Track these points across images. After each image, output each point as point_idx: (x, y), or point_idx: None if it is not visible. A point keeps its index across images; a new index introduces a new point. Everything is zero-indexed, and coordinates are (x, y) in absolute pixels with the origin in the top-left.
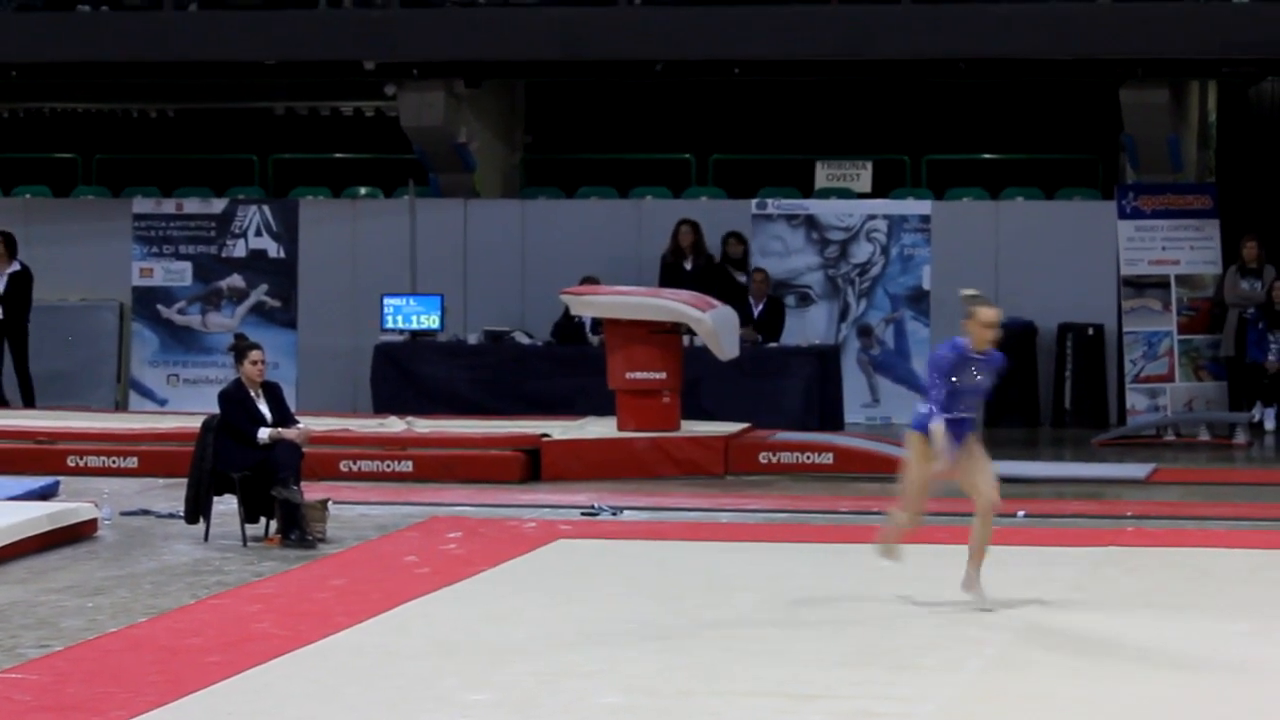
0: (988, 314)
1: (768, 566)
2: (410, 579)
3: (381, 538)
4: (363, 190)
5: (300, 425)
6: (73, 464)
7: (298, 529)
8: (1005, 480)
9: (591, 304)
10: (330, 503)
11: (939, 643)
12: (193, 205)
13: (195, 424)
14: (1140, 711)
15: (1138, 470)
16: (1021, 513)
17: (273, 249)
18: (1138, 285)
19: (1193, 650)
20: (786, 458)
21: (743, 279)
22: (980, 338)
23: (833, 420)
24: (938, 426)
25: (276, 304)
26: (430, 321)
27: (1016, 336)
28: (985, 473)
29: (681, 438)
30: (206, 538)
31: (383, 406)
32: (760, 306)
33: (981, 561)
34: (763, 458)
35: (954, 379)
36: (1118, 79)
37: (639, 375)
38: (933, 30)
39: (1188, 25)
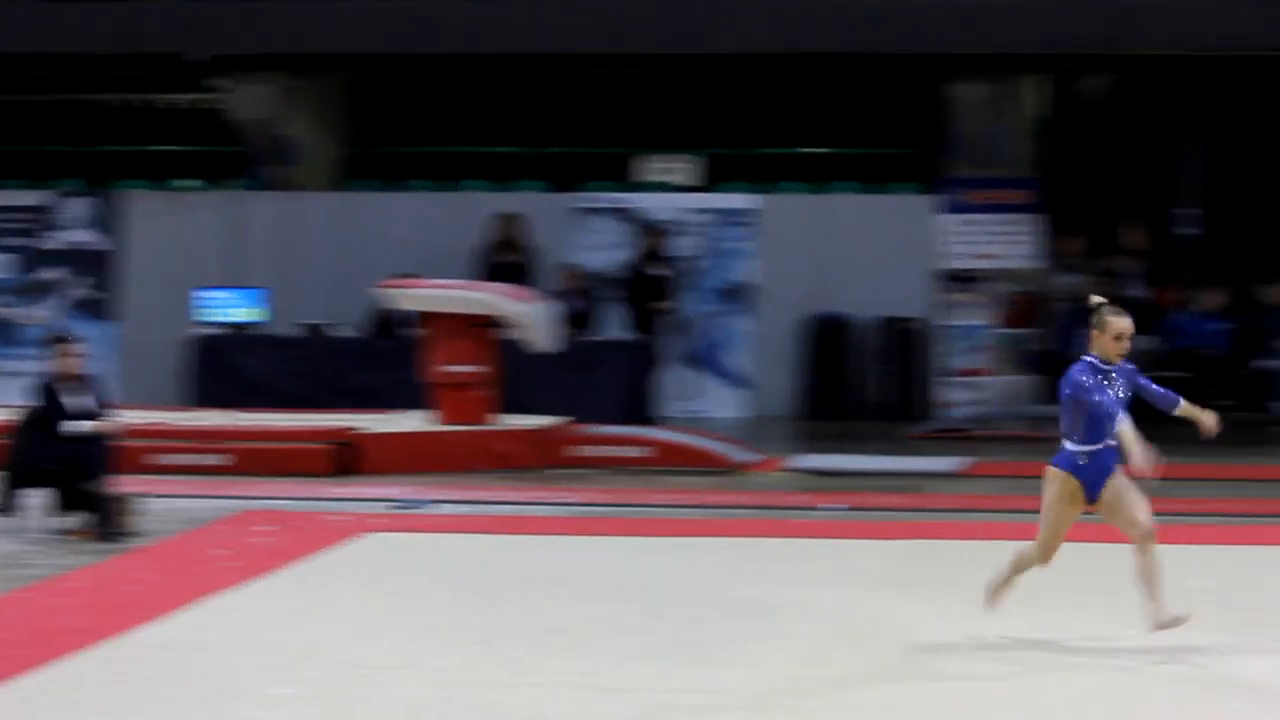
0: (1121, 324)
1: (580, 560)
2: (220, 572)
3: (192, 531)
4: (187, 183)
5: (114, 418)
6: None
7: (109, 523)
8: (823, 474)
9: (411, 297)
10: (141, 496)
11: (746, 636)
12: (14, 197)
13: (10, 417)
14: (937, 703)
15: (955, 463)
16: (846, 506)
17: (95, 242)
18: (960, 279)
19: (995, 642)
20: (603, 451)
21: (665, 273)
22: (1112, 350)
23: (650, 414)
24: (1126, 429)
25: (99, 297)
26: (253, 314)
27: (832, 329)
28: (1137, 502)
29: (498, 431)
30: (15, 531)
31: (204, 400)
32: (572, 302)
33: (1161, 591)
34: (579, 451)
35: (1097, 398)
36: (943, 74)
37: (456, 368)
38: (759, 24)
39: (1013, 20)
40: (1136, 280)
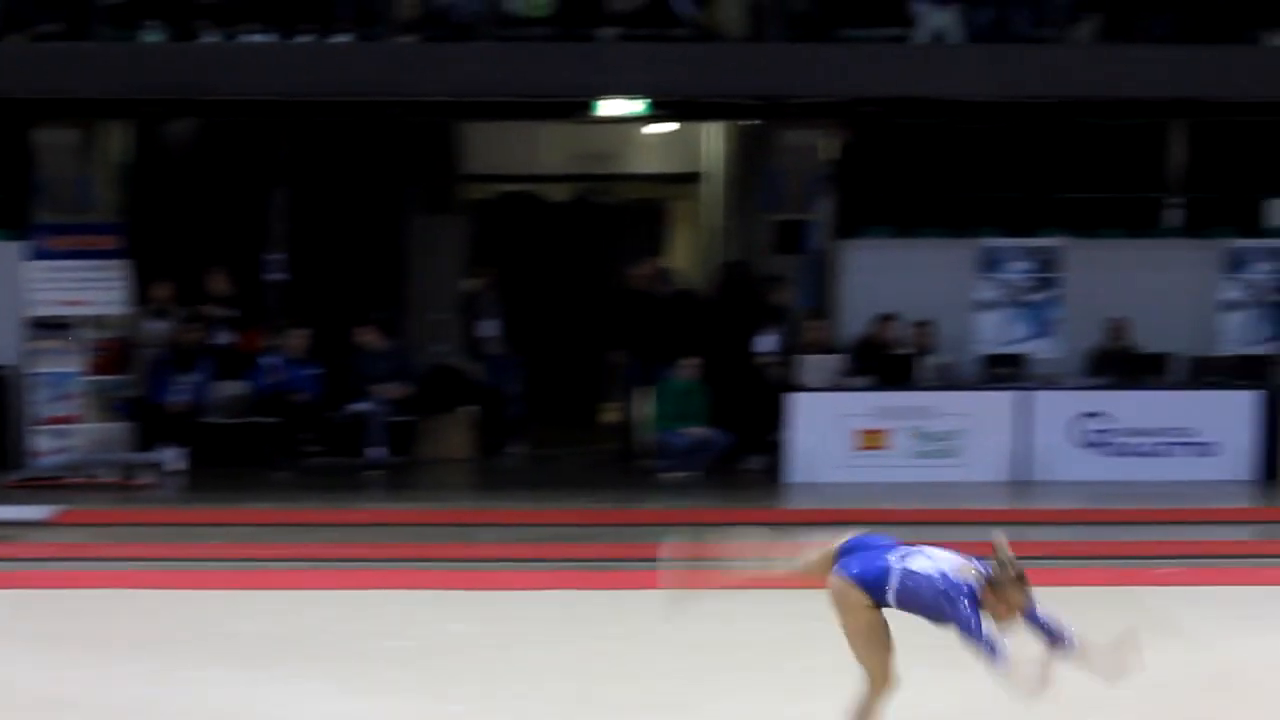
0: (1023, 600)
1: None
2: None
3: None
4: None
5: None
6: None
7: None
8: None
9: None
10: None
11: None
12: None
13: None
14: None
15: (44, 512)
16: None
17: None
18: (48, 326)
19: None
20: None
21: None
22: (1002, 616)
23: None
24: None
25: None
26: None
27: None
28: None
29: None
30: None
31: None
32: None
33: None
34: None
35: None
36: (28, 119)
37: None
38: None
39: (96, 65)
40: (224, 326)
